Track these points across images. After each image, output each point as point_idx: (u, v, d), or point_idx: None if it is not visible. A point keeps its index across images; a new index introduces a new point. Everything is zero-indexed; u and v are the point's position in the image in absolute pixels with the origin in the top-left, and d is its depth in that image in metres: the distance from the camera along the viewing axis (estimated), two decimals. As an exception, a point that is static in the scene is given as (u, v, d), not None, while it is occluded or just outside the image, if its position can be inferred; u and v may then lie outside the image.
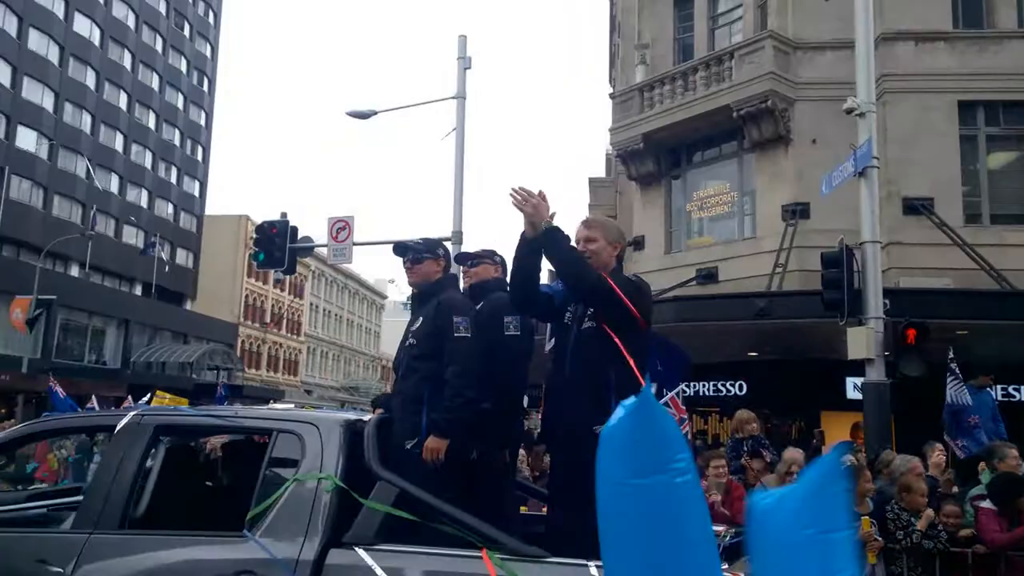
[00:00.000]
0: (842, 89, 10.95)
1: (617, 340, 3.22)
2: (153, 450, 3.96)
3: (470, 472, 3.60)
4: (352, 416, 3.54)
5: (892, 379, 9.54)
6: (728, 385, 14.00)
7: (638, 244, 16.67)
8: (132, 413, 3.66)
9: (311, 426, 3.33)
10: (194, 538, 3.14)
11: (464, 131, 18.65)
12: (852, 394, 11.67)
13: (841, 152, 10.69)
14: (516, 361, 3.85)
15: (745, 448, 7.99)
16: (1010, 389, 12.60)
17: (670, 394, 9.05)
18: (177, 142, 49.46)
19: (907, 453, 7.50)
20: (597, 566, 2.59)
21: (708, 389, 14.18)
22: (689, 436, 9.11)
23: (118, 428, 3.58)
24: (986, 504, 6.11)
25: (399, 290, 77.27)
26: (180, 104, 49.82)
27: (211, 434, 4.86)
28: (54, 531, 3.56)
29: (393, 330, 69.18)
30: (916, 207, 13.26)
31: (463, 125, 18.70)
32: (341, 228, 20.31)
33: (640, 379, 3.11)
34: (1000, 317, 10.99)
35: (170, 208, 48.31)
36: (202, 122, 52.89)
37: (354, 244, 19.93)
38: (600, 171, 27.83)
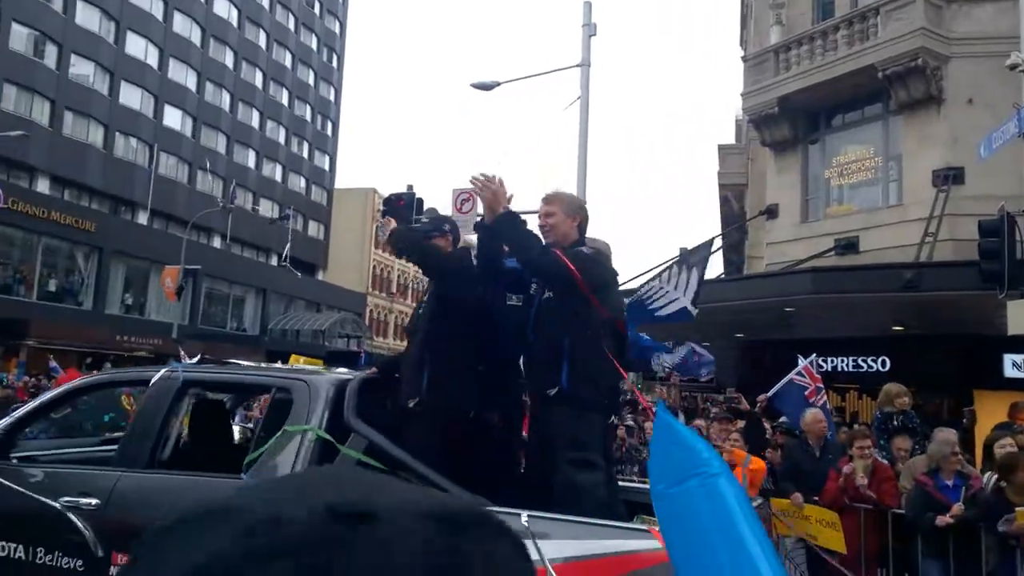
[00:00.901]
0: (1003, 44, 10.20)
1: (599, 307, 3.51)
2: (182, 401, 4.40)
3: (467, 430, 3.74)
4: (346, 377, 3.89)
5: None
6: (870, 361, 13.36)
7: (771, 213, 16.10)
8: (165, 369, 4.06)
9: (303, 384, 3.73)
10: (203, 479, 3.54)
11: (588, 100, 18.54)
12: (1010, 372, 10.94)
13: (1002, 112, 9.96)
14: (510, 329, 3.87)
15: (896, 423, 7.67)
16: None
17: (804, 363, 8.82)
18: (308, 118, 51.63)
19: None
20: (529, 515, 2.80)
21: (847, 365, 13.59)
22: (828, 407, 8.82)
23: (152, 381, 3.98)
24: None
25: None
26: (311, 81, 51.90)
27: (226, 389, 5.40)
28: (99, 469, 3.98)
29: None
30: (1088, 171, 12.12)
31: (587, 93, 18.58)
32: (465, 200, 20.74)
33: (597, 347, 3.49)
34: None
35: (302, 182, 50.64)
36: (331, 98, 54.91)
37: (478, 216, 20.27)
38: (730, 138, 26.94)
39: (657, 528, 2.60)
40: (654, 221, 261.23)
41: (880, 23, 13.95)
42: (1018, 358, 9.73)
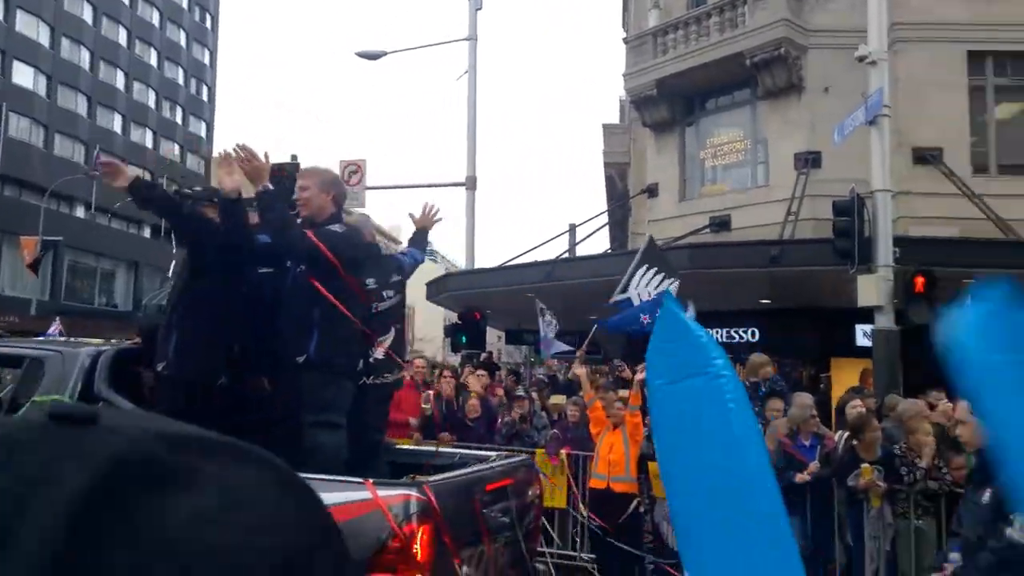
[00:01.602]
0: (854, 37, 11.03)
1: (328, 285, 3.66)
2: None
3: (218, 396, 3.89)
4: (104, 348, 3.98)
5: (900, 326, 9.92)
6: (741, 332, 14.39)
7: (652, 191, 16.88)
8: None
9: (57, 355, 3.82)
10: None
11: (476, 74, 18.69)
12: (861, 341, 12.01)
13: (853, 101, 10.85)
14: (266, 300, 4.06)
15: (762, 390, 8.40)
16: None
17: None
18: (181, 81, 48.91)
19: (914, 398, 7.93)
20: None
21: (722, 336, 14.57)
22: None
23: None
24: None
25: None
26: (182, 41, 49.09)
27: None
28: None
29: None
30: (925, 157, 13.46)
31: (475, 68, 18.72)
32: (353, 172, 20.42)
33: (348, 316, 3.70)
34: (1005, 266, 11.24)
35: (176, 149, 48.09)
36: (206, 61, 52.17)
37: (367, 188, 20.09)
38: (615, 117, 27.74)
39: (372, 480, 2.98)
40: (547, 195, 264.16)
41: (748, 12, 14.81)
42: (868, 328, 10.74)
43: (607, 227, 22.40)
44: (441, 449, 5.00)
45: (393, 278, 4.57)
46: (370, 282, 4.28)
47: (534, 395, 9.77)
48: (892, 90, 11.93)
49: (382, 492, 2.96)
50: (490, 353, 11.96)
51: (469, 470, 3.84)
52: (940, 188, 13.13)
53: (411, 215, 5.15)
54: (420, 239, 5.09)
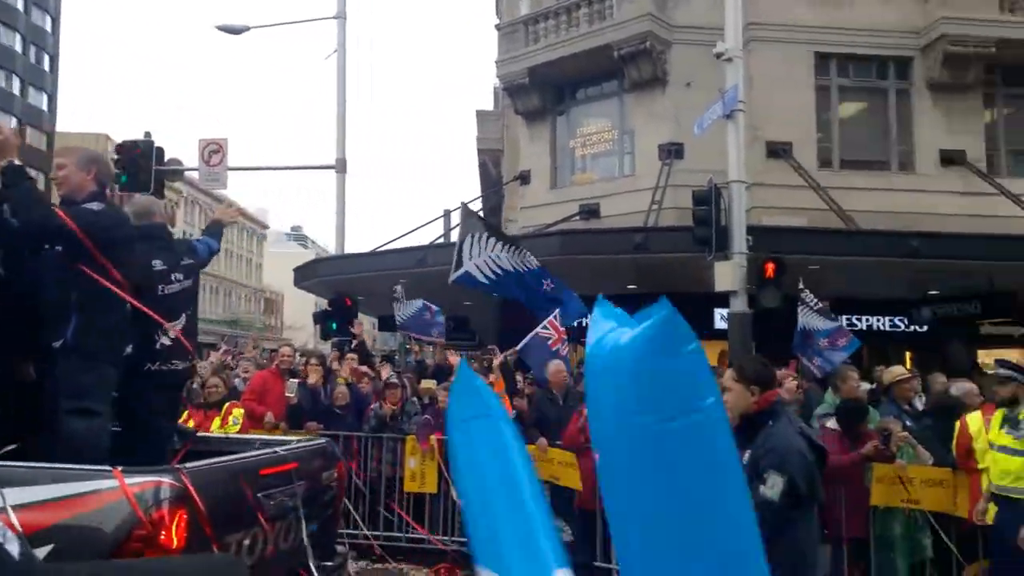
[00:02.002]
0: (714, 34, 11.54)
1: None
2: None
3: None
4: None
5: (753, 309, 10.54)
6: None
7: (524, 179, 17.07)
8: None
9: None
10: None
11: (346, 54, 18.22)
12: (719, 324, 12.66)
13: (713, 96, 11.36)
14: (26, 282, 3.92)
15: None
16: (853, 319, 14.10)
17: (549, 316, 9.68)
18: (19, 48, 44.90)
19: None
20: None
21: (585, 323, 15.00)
22: (568, 357, 9.79)
23: None
24: (831, 424, 6.99)
25: (281, 220, 74.81)
26: (19, 5, 45.05)
27: None
28: None
29: (275, 261, 67.00)
30: (777, 151, 14.33)
31: (344, 47, 18.25)
32: (214, 151, 19.43)
33: (110, 302, 3.63)
34: (847, 254, 12.21)
35: (13, 122, 44.16)
36: (47, 27, 48.11)
37: (229, 169, 19.19)
38: (490, 103, 27.81)
39: (121, 469, 3.00)
40: (422, 179, 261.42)
41: (615, 4, 15.22)
42: (724, 311, 11.34)
43: (481, 213, 22.49)
44: (256, 437, 5.08)
45: (184, 261, 4.40)
46: (157, 264, 4.18)
47: (406, 381, 9.69)
48: (747, 86, 12.60)
49: (131, 480, 2.97)
50: (362, 341, 11.73)
51: (238, 456, 3.85)
52: (790, 181, 14.02)
53: (215, 209, 5.23)
54: (215, 230, 5.00)
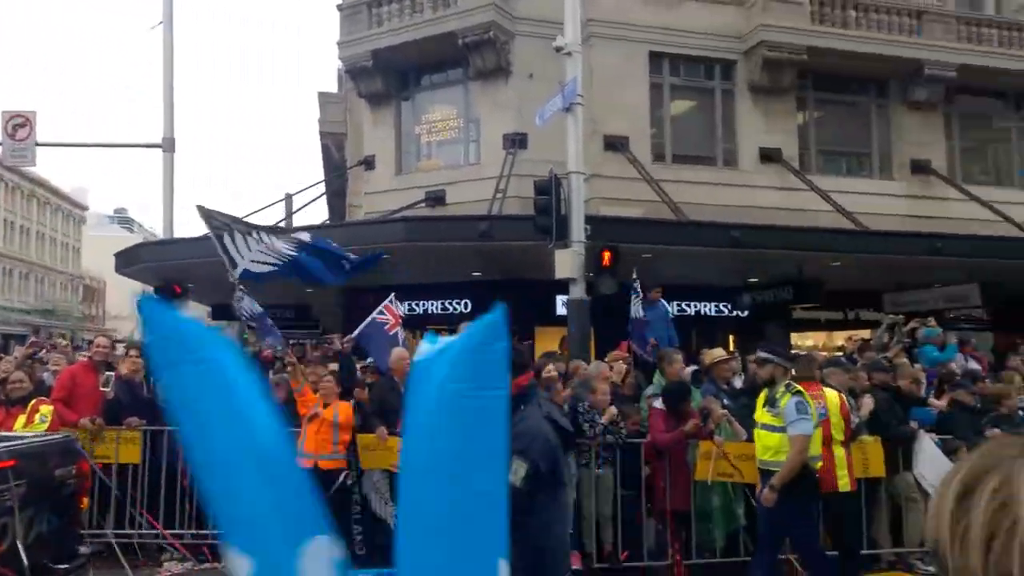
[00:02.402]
0: (555, 28, 11.80)
1: None
2: None
3: None
4: None
5: (591, 296, 10.92)
6: (455, 303, 14.89)
7: (369, 164, 16.74)
8: None
9: None
10: None
11: (173, 26, 17.10)
12: (561, 310, 12.99)
13: (555, 88, 11.62)
14: None
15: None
16: (683, 305, 14.95)
17: (385, 302, 9.58)
18: None
19: (603, 361, 8.78)
20: None
21: (437, 308, 14.96)
22: (407, 343, 9.74)
23: None
24: (658, 404, 7.39)
25: (103, 201, 69.02)
26: None
27: None
28: None
29: (95, 245, 61.71)
30: (614, 144, 14.90)
31: (171, 18, 17.11)
32: (20, 125, 17.76)
33: None
34: (677, 243, 12.90)
35: None
36: None
37: (38, 144, 17.59)
38: (333, 85, 27.00)
39: None
40: (262, 162, 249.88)
41: (460, -8, 15.19)
42: (565, 298, 11.67)
43: (324, 197, 21.89)
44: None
45: None
46: None
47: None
48: (587, 81, 12.99)
49: None
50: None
51: None
52: (627, 173, 14.62)
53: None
54: None
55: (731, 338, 15.40)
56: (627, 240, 11.67)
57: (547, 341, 13.31)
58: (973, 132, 18.04)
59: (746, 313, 15.36)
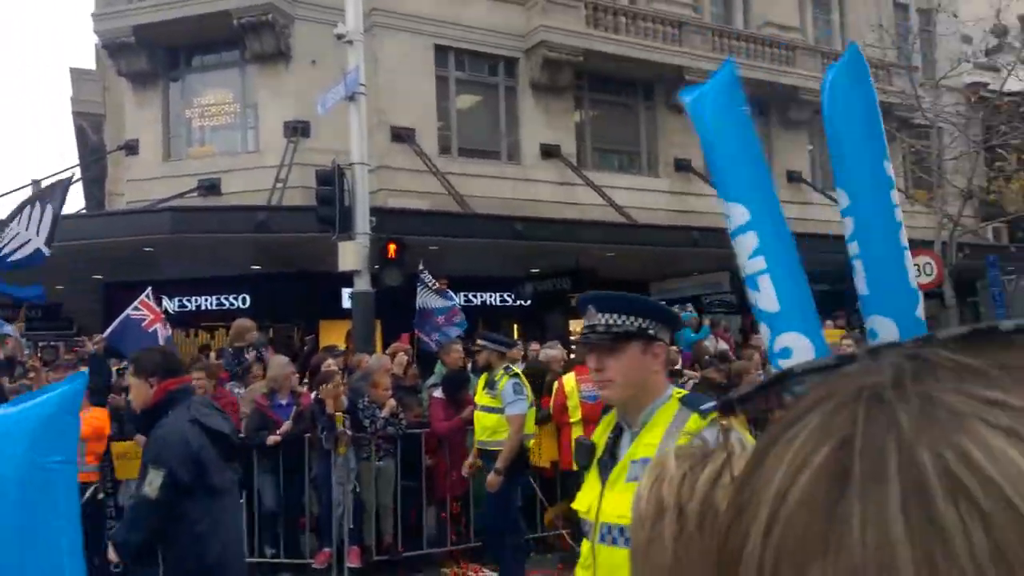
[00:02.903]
0: (337, 15, 11.53)
1: None
2: None
3: None
4: None
5: (377, 288, 10.81)
6: (232, 299, 14.10)
7: (131, 148, 15.36)
8: None
9: None
10: None
11: None
12: (347, 303, 12.77)
13: (338, 76, 11.36)
14: None
15: (247, 357, 8.34)
16: (469, 295, 15.24)
17: (141, 297, 8.89)
18: None
19: (385, 353, 8.73)
20: None
21: (212, 303, 14.08)
22: (171, 339, 9.08)
23: None
24: (438, 393, 7.49)
25: None
26: None
27: None
28: None
29: None
30: (401, 136, 14.85)
31: None
32: None
33: None
34: (463, 235, 13.12)
35: None
36: None
37: None
38: (90, 61, 24.41)
39: None
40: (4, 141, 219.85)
41: (236, -31, 14.35)
42: (350, 291, 11.47)
43: (80, 184, 19.78)
44: None
45: None
46: None
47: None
48: (373, 70, 12.86)
49: None
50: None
51: None
52: (414, 165, 14.63)
53: None
54: None
55: (515, 327, 15.97)
56: (413, 232, 11.70)
57: (333, 334, 13.03)
58: (726, 135, 20.02)
59: (528, 302, 15.98)
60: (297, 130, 14.35)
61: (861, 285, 1.54)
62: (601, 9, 17.10)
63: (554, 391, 7.58)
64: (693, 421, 2.00)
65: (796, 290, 1.63)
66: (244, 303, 13.94)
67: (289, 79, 14.84)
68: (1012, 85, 16.39)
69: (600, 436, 2.34)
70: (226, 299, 14.07)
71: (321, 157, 12.38)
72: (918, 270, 13.00)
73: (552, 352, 9.21)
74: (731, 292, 15.44)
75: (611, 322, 2.18)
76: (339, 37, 10.93)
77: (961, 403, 0.36)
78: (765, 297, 1.61)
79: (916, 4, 20.88)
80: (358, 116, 10.93)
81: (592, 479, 2.23)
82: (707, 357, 10.03)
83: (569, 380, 7.55)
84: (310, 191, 12.33)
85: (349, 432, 6.78)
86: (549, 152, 16.58)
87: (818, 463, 0.37)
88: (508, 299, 16.23)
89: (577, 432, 6.82)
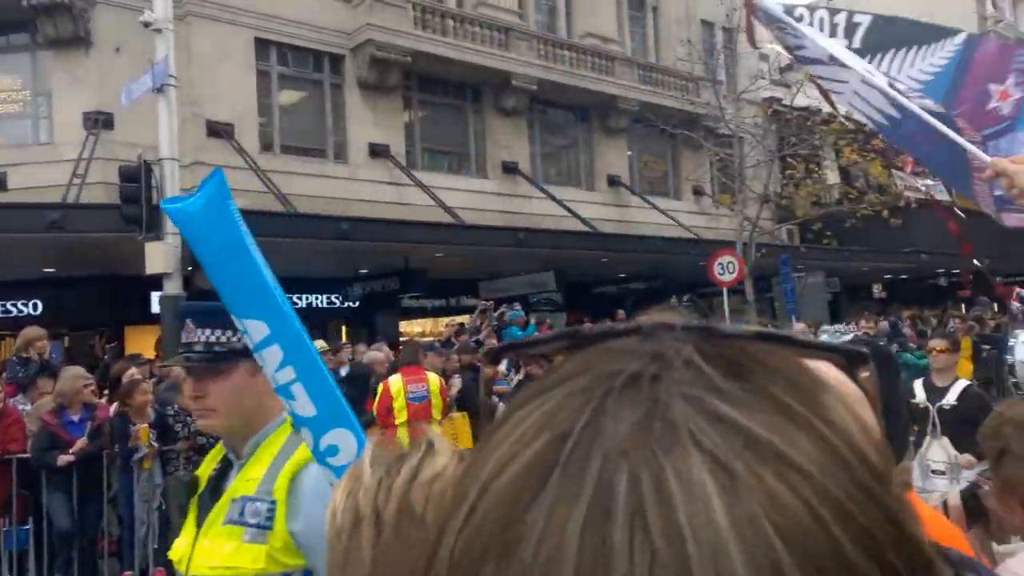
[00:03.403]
0: (145, 1, 10.81)
1: None
2: None
3: None
4: None
5: (189, 292, 10.19)
6: (20, 305, 12.79)
7: None
8: None
9: None
10: None
11: None
12: (157, 308, 11.95)
13: (144, 66, 10.62)
14: None
15: (31, 369, 7.61)
16: (294, 298, 14.70)
17: None
18: None
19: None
20: None
21: (-5, 311, 12.73)
22: None
23: None
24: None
25: None
26: None
27: None
28: None
29: None
30: (218, 131, 14.12)
31: None
32: None
33: None
34: (286, 235, 12.66)
35: None
36: None
37: None
38: None
39: None
40: None
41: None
42: (160, 295, 10.74)
43: None
44: None
45: None
46: None
47: None
48: (186, 62, 12.12)
49: None
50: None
51: None
52: (232, 162, 13.92)
53: None
54: None
55: (343, 329, 15.66)
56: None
57: (140, 341, 12.17)
58: (551, 139, 20.70)
59: (357, 304, 15.72)
60: (98, 122, 13.24)
61: (307, 408, 1.64)
62: (429, 11, 17.14)
63: (379, 393, 7.53)
64: (301, 451, 1.79)
65: (327, 391, 1.72)
66: (35, 309, 12.70)
67: (90, 66, 13.67)
68: (801, 101, 18.18)
69: (204, 468, 2.04)
70: (14, 305, 12.75)
71: (126, 151, 11.54)
72: (722, 268, 14.11)
73: (376, 354, 9.13)
74: (556, 291, 16.00)
75: (213, 339, 1.92)
76: (146, 25, 10.21)
77: (685, 416, 0.33)
78: (301, 404, 1.67)
79: (721, 23, 22.57)
80: (168, 109, 10.24)
81: (190, 521, 1.93)
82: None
83: (395, 382, 7.52)
84: (113, 188, 11.45)
85: (155, 444, 6.36)
86: (377, 152, 16.40)
87: (528, 457, 0.33)
88: (336, 301, 15.87)
89: (402, 434, 6.80)
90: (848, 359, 0.48)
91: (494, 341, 11.86)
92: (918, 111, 2.42)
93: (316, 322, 14.42)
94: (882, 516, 0.33)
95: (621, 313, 13.89)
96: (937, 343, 5.68)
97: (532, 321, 12.98)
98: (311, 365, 1.68)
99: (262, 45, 15.33)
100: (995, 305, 17.43)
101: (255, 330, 1.68)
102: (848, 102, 2.57)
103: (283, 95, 15.97)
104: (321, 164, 15.87)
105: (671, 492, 0.31)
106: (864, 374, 0.52)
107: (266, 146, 15.21)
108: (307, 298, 15.33)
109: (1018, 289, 13.69)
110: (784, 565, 0.29)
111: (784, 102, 18.65)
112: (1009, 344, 8.11)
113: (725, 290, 14.27)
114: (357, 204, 14.64)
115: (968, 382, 5.74)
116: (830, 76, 2.67)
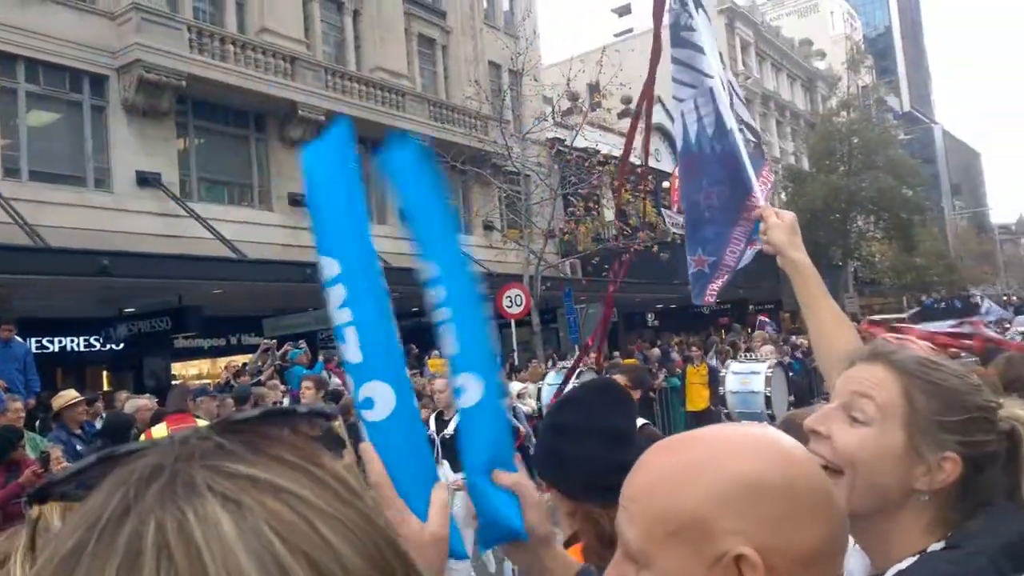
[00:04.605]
0: None
1: None
2: None
3: None
4: None
5: None
6: None
7: None
8: None
9: None
10: None
11: None
12: None
13: None
14: None
15: None
16: (44, 341, 13.15)
17: None
18: None
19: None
20: None
21: None
22: None
23: None
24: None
25: None
26: None
27: None
28: None
29: None
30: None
31: None
32: None
33: None
34: (35, 272, 11.32)
35: None
36: None
37: None
38: None
39: None
40: None
41: None
42: None
43: None
44: None
45: None
46: None
47: None
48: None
49: None
50: None
51: None
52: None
53: None
54: None
55: (105, 374, 14.19)
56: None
57: None
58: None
59: (121, 346, 14.32)
60: None
61: (355, 354, 1.62)
62: (207, 34, 16.27)
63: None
64: None
65: (379, 341, 1.66)
66: None
67: None
68: (580, 143, 19.34)
69: None
70: None
71: None
72: (510, 301, 14.51)
73: (139, 401, 8.34)
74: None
75: None
76: None
77: (202, 476, 0.40)
78: (351, 348, 1.61)
79: (508, 65, 23.50)
80: None
81: None
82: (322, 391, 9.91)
83: (159, 432, 6.86)
84: None
85: None
86: (147, 180, 15.16)
87: (65, 548, 0.38)
88: (96, 343, 14.34)
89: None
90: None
91: (277, 382, 11.30)
92: (739, 141, 2.47)
93: (71, 367, 12.97)
94: (359, 517, 0.43)
95: (414, 348, 13.81)
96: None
97: (320, 359, 12.55)
98: (369, 313, 1.56)
99: (7, 60, 13.70)
100: (748, 330, 19.42)
101: (328, 267, 1.55)
102: (695, 96, 2.58)
103: (33, 115, 14.34)
104: (79, 193, 14.35)
105: (191, 527, 0.38)
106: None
107: (11, 171, 13.53)
108: (61, 341, 13.71)
109: (761, 317, 15.33)
110: (284, 559, 0.38)
111: (566, 143, 19.74)
112: (721, 375, 8.02)
113: (513, 322, 14.68)
114: (123, 236, 13.38)
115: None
116: (695, 65, 2.64)
